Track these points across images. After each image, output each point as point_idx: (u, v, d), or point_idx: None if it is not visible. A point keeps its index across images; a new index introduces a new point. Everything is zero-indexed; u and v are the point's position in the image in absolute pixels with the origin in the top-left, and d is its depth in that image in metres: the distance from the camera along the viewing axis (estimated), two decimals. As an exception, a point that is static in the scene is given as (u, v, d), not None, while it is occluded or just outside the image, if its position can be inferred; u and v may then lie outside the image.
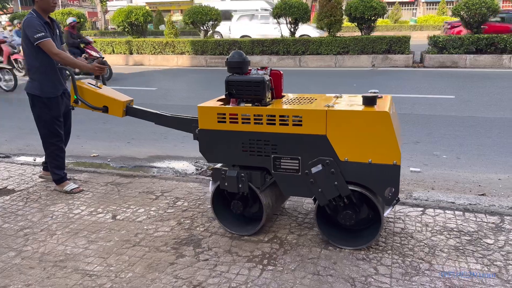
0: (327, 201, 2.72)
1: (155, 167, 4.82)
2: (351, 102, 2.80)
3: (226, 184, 2.89)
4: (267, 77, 2.82)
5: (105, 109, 3.53)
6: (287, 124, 2.67)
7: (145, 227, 3.13)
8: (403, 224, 3.06)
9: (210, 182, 3.08)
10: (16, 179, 4.21)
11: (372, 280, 2.42)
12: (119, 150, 5.52)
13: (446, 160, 4.69)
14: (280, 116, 2.69)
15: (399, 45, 12.70)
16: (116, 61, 16.04)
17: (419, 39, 19.79)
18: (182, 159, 5.08)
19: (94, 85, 3.65)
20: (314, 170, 2.67)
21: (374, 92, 2.73)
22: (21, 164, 4.73)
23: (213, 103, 2.98)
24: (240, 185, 2.85)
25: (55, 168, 3.83)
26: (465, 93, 8.37)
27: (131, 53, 16.27)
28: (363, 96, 2.65)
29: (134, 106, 3.53)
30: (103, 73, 3.71)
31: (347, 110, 2.58)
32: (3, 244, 2.93)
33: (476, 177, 4.17)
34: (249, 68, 2.94)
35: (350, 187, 2.64)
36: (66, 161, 4.95)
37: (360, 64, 12.98)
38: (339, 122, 2.57)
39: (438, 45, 12.34)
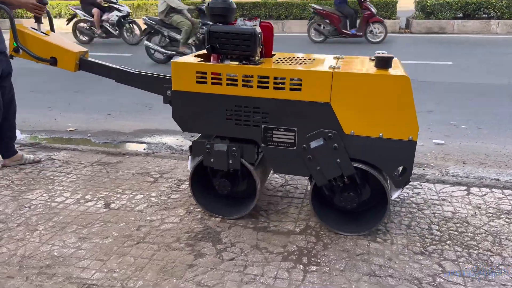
0: (326, 181, 2.30)
1: (145, 143, 4.22)
2: (358, 64, 2.34)
3: (212, 160, 2.42)
4: (258, 29, 2.29)
5: (53, 61, 2.89)
6: (283, 88, 2.20)
7: (148, 218, 2.59)
8: (451, 207, 2.65)
9: (189, 158, 2.59)
10: (-20, 160, 3.52)
11: (442, 280, 1.99)
12: (99, 124, 4.85)
13: (466, 131, 4.31)
14: (275, 78, 2.20)
15: (386, 9, 12.22)
16: (83, 26, 14.81)
17: (403, 5, 19.32)
18: (174, 134, 4.48)
19: (39, 31, 2.96)
20: (313, 144, 2.23)
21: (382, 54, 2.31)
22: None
23: (191, 59, 2.44)
24: (230, 161, 2.39)
25: None
26: (461, 59, 8.02)
27: (99, 17, 15.06)
28: (376, 57, 2.19)
29: (89, 58, 2.92)
30: (41, 14, 3.01)
31: (358, 73, 2.10)
32: (-31, 245, 2.32)
33: (506, 149, 3.80)
34: (234, 18, 2.41)
35: (354, 165, 2.23)
36: (39, 136, 4.32)
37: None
38: (347, 87, 2.11)
39: (425, 10, 11.92)
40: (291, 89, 2.20)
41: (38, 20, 3.03)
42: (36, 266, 2.14)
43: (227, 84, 2.29)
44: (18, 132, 4.31)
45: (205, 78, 2.31)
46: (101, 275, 2.06)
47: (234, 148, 2.37)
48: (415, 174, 3.15)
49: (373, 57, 2.45)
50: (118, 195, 2.88)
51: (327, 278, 2.02)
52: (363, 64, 2.33)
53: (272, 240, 2.34)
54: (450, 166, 3.38)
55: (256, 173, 2.44)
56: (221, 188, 2.57)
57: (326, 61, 2.42)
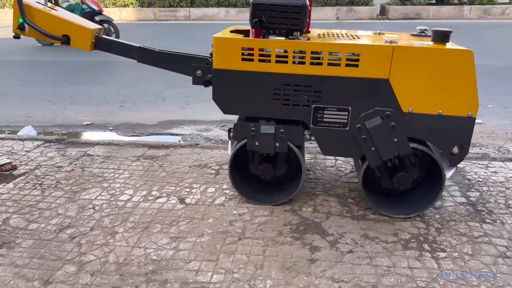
0: (380, 162, 2.21)
1: (178, 134, 3.96)
2: (408, 39, 2.27)
3: (256, 143, 2.28)
4: (307, 1, 2.15)
5: (65, 39, 2.59)
6: (339, 65, 2.09)
7: (235, 212, 2.39)
8: (535, 184, 2.64)
9: (229, 142, 2.45)
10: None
11: None
12: (115, 116, 4.51)
13: (495, 110, 4.39)
14: (330, 53, 2.09)
15: (363, -4, 12.31)
16: (45, 16, 13.90)
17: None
18: (202, 123, 4.24)
19: (46, 6, 2.65)
20: (369, 124, 2.13)
21: (424, 30, 2.30)
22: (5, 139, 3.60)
23: (233, 34, 2.28)
24: (277, 144, 2.26)
25: None
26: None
27: (63, 6, 14.19)
28: (434, 31, 2.13)
29: (105, 36, 2.66)
30: None
31: (421, 47, 2.04)
32: (47, 255, 2.03)
33: (544, 127, 3.90)
34: None
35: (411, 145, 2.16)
36: (52, 130, 3.97)
37: (324, 17, 12.43)
38: (407, 62, 2.04)
39: (401, -4, 12.14)
40: (347, 65, 2.08)
41: None
42: (139, 273, 1.91)
43: (276, 61, 2.13)
44: (31, 129, 3.95)
45: (252, 55, 2.14)
46: (221, 277, 1.86)
47: (282, 130, 2.23)
48: (477, 153, 3.14)
49: (414, 33, 2.39)
50: (188, 190, 2.65)
51: (462, 264, 1.93)
52: (415, 39, 2.24)
53: (378, 229, 2.22)
54: (504, 145, 3.40)
55: (302, 156, 2.34)
56: (264, 173, 2.41)
57: (372, 37, 2.31)
